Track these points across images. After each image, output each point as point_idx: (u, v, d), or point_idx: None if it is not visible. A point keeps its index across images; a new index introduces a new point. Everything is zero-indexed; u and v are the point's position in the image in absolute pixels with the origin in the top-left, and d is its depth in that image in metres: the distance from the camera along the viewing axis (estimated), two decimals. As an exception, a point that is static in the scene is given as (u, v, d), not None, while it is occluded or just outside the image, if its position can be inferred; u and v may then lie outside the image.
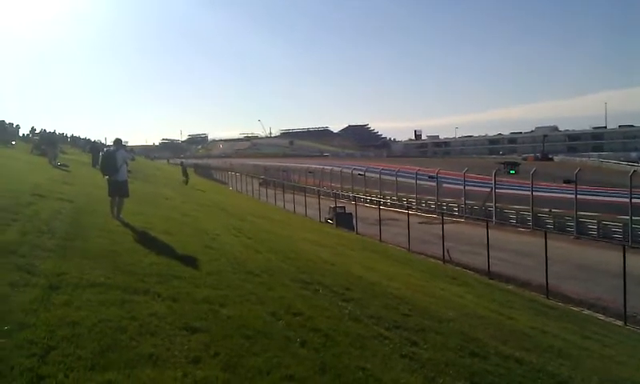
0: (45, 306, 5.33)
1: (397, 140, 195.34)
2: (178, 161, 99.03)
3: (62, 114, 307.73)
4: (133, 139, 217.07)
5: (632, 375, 8.59)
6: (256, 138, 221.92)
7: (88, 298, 5.80)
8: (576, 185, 30.11)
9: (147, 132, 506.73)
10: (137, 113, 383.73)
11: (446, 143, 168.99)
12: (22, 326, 4.70)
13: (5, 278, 5.91)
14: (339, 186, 52.75)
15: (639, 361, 10.18)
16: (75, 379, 3.98)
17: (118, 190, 12.45)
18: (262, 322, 6.35)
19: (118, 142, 13.50)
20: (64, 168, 24.70)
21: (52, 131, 42.47)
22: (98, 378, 4.06)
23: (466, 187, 38.21)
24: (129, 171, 14.69)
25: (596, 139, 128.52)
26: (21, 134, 43.99)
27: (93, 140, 56.78)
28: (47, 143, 30.57)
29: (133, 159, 48.60)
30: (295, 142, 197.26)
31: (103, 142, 57.74)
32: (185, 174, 44.70)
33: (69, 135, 59.83)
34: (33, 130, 45.74)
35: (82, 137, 62.80)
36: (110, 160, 12.55)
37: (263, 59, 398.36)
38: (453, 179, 45.13)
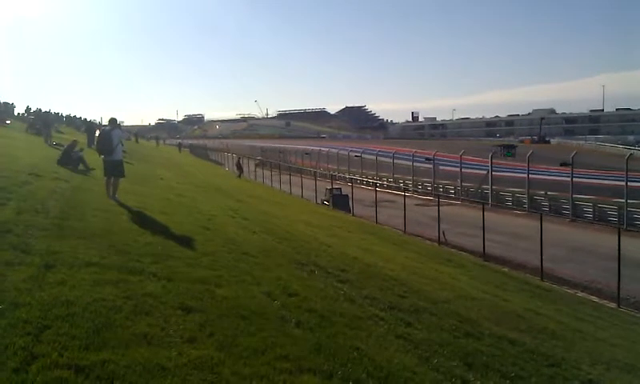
0: (39, 285, 5.31)
1: (394, 122, 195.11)
2: (175, 142, 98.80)
3: (57, 93, 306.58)
4: (129, 119, 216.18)
5: (624, 357, 8.65)
6: (253, 118, 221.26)
7: (83, 278, 5.78)
8: (572, 167, 30.11)
9: (143, 112, 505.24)
10: (133, 92, 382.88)
11: (443, 125, 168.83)
12: (16, 305, 4.69)
13: (-1, 257, 5.90)
14: (336, 167, 52.65)
15: (632, 343, 10.25)
16: (70, 358, 3.96)
17: (114, 170, 12.41)
18: (258, 303, 6.36)
19: (113, 121, 13.41)
20: (59, 147, 24.55)
21: (47, 110, 42.32)
22: (93, 357, 4.05)
23: (463, 169, 38.11)
24: (124, 151, 14.63)
25: (593, 122, 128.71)
26: (16, 113, 43.75)
27: (88, 119, 56.66)
28: (41, 123, 30.43)
29: (129, 139, 48.36)
30: (292, 123, 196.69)
31: (99, 121, 57.46)
32: (239, 168, 44.06)
33: (64, 114, 59.56)
34: (28, 109, 45.53)
35: (77, 116, 62.50)
36: (106, 140, 12.49)
37: (260, 40, 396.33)
38: (449, 161, 45.08)
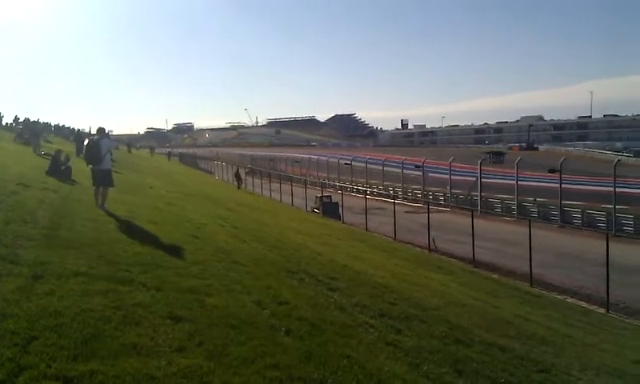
0: (27, 295, 5.28)
1: (383, 129, 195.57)
2: (164, 150, 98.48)
3: (45, 102, 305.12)
4: (118, 128, 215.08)
5: (614, 362, 8.70)
6: (242, 127, 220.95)
7: (71, 288, 5.75)
8: (560, 174, 30.33)
9: (132, 121, 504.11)
10: (122, 101, 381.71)
11: (433, 133, 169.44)
12: (3, 316, 4.66)
13: (-13, 268, 5.85)
14: (326, 175, 52.73)
15: (620, 348, 10.30)
16: (58, 369, 3.94)
17: (102, 180, 12.34)
18: (248, 312, 6.35)
19: (101, 130, 13.35)
20: (48, 157, 24.44)
21: (36, 120, 42.05)
22: (81, 367, 4.03)
23: (452, 176, 38.29)
24: (113, 160, 14.57)
25: (581, 129, 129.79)
26: (4, 123, 43.47)
27: (77, 129, 56.35)
28: (30, 132, 30.32)
29: (117, 148, 48.14)
30: (282, 131, 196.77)
31: (88, 130, 57.12)
32: (238, 178, 43.68)
33: (53, 124, 59.21)
34: (16, 118, 45.22)
35: (66, 126, 62.17)
36: (94, 149, 12.41)
37: (249, 48, 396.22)
38: (439, 168, 45.26)
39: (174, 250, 8.89)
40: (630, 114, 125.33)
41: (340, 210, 29.33)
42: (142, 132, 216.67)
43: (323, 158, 59.19)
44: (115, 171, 15.19)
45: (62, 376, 3.86)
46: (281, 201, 34.86)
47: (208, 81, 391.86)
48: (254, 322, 5.98)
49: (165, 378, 4.16)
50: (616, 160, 30.49)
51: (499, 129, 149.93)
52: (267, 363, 4.84)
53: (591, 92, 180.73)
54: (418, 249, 21.07)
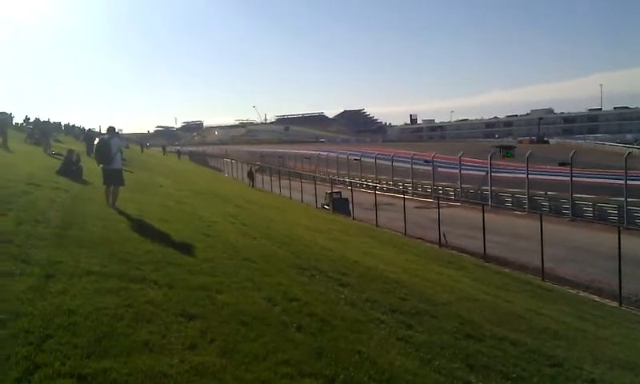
0: (41, 294, 5.32)
1: (392, 124, 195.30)
2: (174, 149, 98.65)
3: (55, 102, 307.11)
4: (127, 127, 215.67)
5: (626, 355, 8.65)
6: (251, 124, 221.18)
7: (84, 287, 5.79)
8: (571, 167, 30.14)
9: (142, 119, 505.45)
10: (131, 100, 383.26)
11: (442, 127, 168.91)
12: (17, 315, 4.69)
13: (0, 268, 5.90)
14: (335, 171, 52.63)
15: (633, 341, 10.25)
16: (72, 367, 3.97)
17: (113, 179, 12.40)
18: (259, 308, 6.37)
19: (111, 129, 13.40)
20: (58, 157, 24.59)
21: (46, 120, 42.33)
22: (95, 365, 4.06)
23: (462, 171, 38.17)
24: (123, 159, 14.64)
25: (591, 121, 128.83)
26: (14, 123, 43.73)
27: (87, 128, 56.64)
28: (40, 132, 30.53)
29: (127, 147, 48.39)
30: (291, 127, 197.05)
31: (98, 130, 57.43)
32: (251, 177, 43.61)
33: (63, 124, 59.56)
34: (27, 118, 45.54)
35: (76, 125, 62.52)
36: (104, 148, 12.46)
37: (258, 45, 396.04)
38: (448, 163, 45.06)
39: (185, 248, 8.94)
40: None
41: (350, 205, 29.31)
42: (151, 130, 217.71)
43: (332, 154, 59.06)
44: (125, 170, 15.26)
45: (76, 374, 3.89)
46: (290, 197, 34.88)
47: (216, 79, 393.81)
48: (265, 319, 6.00)
49: (177, 375, 4.18)
50: (627, 152, 30.26)
51: (509, 122, 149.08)
52: (279, 359, 4.86)
53: (601, 84, 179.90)
54: (428, 244, 21.00)
